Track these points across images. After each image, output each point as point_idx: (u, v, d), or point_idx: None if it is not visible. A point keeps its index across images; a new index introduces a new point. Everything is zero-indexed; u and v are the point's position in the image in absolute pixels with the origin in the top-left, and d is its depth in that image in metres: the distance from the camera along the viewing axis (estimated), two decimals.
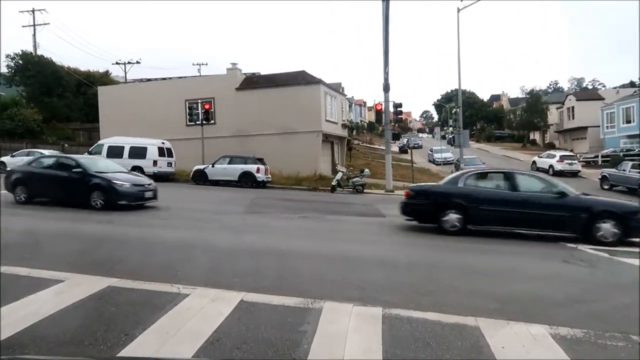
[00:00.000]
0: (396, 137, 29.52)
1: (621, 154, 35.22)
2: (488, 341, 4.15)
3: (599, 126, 45.47)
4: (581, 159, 38.04)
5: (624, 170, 25.04)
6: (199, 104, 27.27)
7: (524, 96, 65.03)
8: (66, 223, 10.66)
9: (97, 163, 14.08)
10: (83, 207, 12.37)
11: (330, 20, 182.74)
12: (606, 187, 25.88)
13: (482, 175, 11.28)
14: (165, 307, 4.74)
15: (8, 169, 15.00)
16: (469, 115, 66.76)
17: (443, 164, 39.76)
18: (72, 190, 12.92)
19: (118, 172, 13.74)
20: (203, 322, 4.41)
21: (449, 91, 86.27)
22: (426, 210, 10.76)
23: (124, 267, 6.43)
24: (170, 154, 24.45)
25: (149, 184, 13.64)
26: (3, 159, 25.44)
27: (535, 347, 4.10)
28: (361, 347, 3.97)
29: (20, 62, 36.68)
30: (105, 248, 7.93)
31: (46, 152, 25.64)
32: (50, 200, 13.34)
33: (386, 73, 23.42)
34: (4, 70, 37.80)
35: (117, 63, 46.53)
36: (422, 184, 12.50)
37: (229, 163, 23.21)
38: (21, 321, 4.25)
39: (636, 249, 8.97)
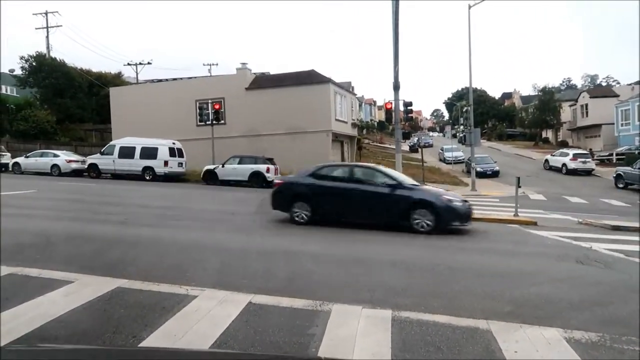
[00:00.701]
0: (406, 136, 29.22)
1: (636, 151, 34.58)
2: (500, 345, 4.06)
3: (613, 124, 44.76)
4: (595, 157, 37.46)
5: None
6: (209, 104, 27.34)
7: (536, 94, 64.23)
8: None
9: (398, 173, 11.64)
10: (392, 229, 10.31)
11: (339, 19, 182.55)
12: (621, 185, 25.42)
13: None
14: (173, 309, 4.72)
15: (277, 180, 12.66)
16: (480, 113, 66.16)
17: (454, 163, 39.49)
18: (383, 209, 10.49)
19: (416, 184, 11.54)
20: (211, 324, 4.38)
21: (460, 89, 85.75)
22: None
23: (134, 268, 6.44)
24: (181, 155, 24.63)
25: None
26: (17, 159, 25.80)
27: (549, 352, 3.99)
28: (370, 351, 3.91)
29: (34, 64, 37.16)
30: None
31: (59, 152, 26.02)
32: (338, 218, 10.93)
33: (396, 72, 23.12)
34: (19, 72, 38.37)
35: (128, 64, 47.11)
36: None
37: (239, 163, 23.25)
38: (30, 322, 4.25)
39: None
